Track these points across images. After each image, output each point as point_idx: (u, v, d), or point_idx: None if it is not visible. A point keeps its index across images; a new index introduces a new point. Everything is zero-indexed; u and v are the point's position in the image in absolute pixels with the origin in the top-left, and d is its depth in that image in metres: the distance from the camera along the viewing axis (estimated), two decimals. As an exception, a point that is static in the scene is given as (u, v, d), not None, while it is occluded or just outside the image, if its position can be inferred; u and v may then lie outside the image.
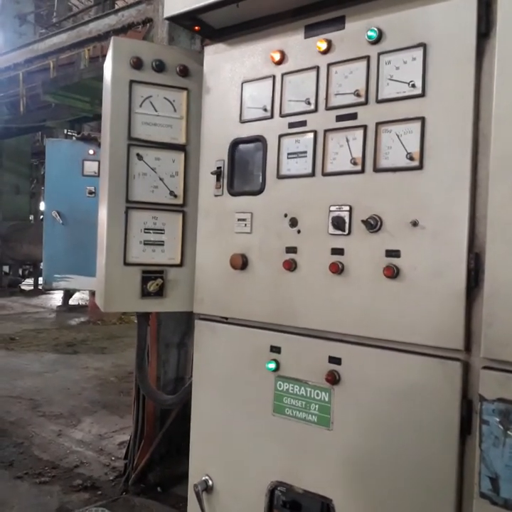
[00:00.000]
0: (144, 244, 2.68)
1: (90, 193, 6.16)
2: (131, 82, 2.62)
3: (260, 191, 2.43)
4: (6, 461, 4.35)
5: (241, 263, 2.45)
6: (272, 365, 2.36)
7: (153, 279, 2.66)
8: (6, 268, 16.86)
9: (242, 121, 2.51)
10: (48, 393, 6.39)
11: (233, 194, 2.55)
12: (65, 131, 13.33)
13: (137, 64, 2.61)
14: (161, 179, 2.69)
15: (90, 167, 6.19)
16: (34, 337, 9.85)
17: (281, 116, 2.37)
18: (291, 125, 2.34)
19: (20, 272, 17.61)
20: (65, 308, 13.16)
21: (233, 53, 2.56)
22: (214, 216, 2.62)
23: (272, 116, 2.41)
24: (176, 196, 2.71)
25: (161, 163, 2.69)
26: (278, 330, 2.38)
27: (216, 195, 2.61)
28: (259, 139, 2.44)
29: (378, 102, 2.04)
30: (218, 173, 2.59)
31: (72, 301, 13.58)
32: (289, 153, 2.34)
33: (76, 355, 8.53)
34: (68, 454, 4.57)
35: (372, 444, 2.06)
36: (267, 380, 2.39)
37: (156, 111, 2.67)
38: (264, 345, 2.41)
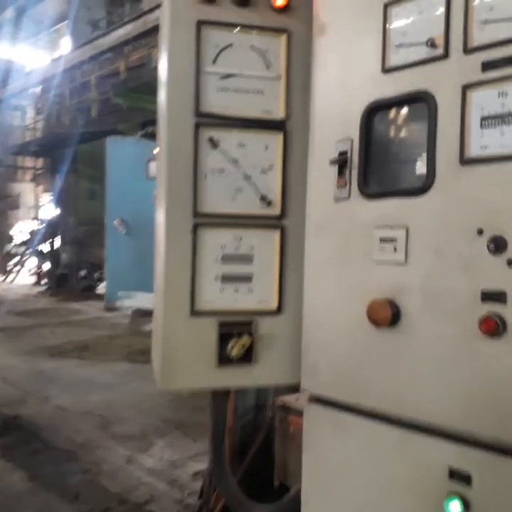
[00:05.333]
0: (222, 280, 1.69)
1: (158, 199, 5.42)
2: (200, 23, 1.65)
3: (424, 189, 1.38)
4: (72, 492, 4.10)
5: (389, 316, 1.40)
6: (456, 508, 1.29)
7: (236, 337, 1.66)
8: (82, 272, 16.97)
9: (387, 70, 1.46)
10: (119, 409, 6.08)
11: (370, 196, 1.50)
12: (138, 134, 13.04)
13: (208, -6, 1.63)
14: (247, 177, 1.70)
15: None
16: (107, 344, 9.64)
17: (467, 51, 1.30)
18: (487, 66, 1.26)
19: (95, 275, 17.71)
20: (140, 312, 12.90)
21: (365, -40, 1.51)
22: (335, 233, 1.59)
23: (446, 55, 1.34)
24: (270, 203, 1.70)
25: (246, 152, 1.70)
26: (467, 441, 1.30)
27: (338, 199, 1.58)
28: (422, 97, 1.39)
29: None
30: (342, 163, 1.55)
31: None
32: (484, 118, 1.27)
33: (149, 365, 8.13)
34: (138, 485, 4.26)
35: None
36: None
37: (238, 69, 1.68)
38: (438, 466, 1.35)
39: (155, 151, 5.64)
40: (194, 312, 1.67)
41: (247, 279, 1.71)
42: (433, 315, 1.35)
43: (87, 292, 16.27)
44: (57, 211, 17.54)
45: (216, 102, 1.67)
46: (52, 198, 18.24)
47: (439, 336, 1.34)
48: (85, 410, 6.00)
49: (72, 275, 16.66)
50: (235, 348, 1.64)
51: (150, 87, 9.80)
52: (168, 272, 1.67)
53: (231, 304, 1.70)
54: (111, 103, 11.48)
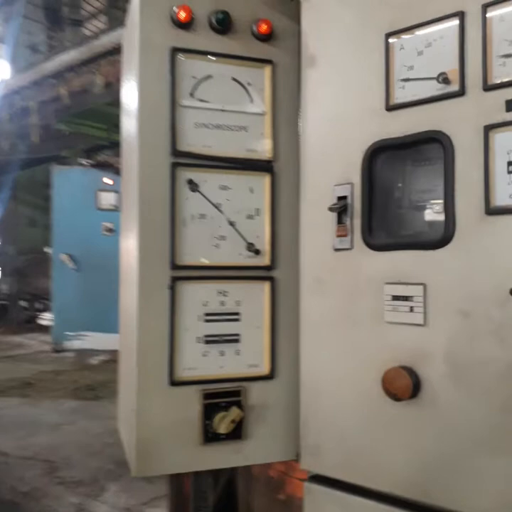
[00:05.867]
0: (206, 342, 1.47)
1: (107, 230, 5.03)
2: (175, 50, 1.45)
3: (443, 241, 1.21)
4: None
5: (410, 387, 1.21)
6: None
7: (223, 409, 1.43)
8: (22, 303, 16.21)
9: (392, 107, 1.30)
10: (67, 452, 5.59)
11: (377, 247, 1.32)
12: (81, 160, 12.71)
13: (184, 19, 1.44)
14: (231, 223, 1.49)
15: (107, 199, 5.06)
16: (52, 380, 8.97)
17: (488, 88, 1.16)
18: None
19: (36, 306, 16.96)
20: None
21: (361, -13, 1.37)
22: (336, 289, 1.40)
23: (462, 92, 1.20)
24: (257, 252, 1.50)
25: (230, 196, 1.50)
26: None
27: (338, 249, 1.40)
28: (435, 138, 1.23)
29: None
30: (341, 209, 1.37)
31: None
32: (511, 163, 1.12)
33: (97, 402, 7.66)
34: (91, 540, 3.86)
35: None
36: None
37: (219, 103, 1.49)
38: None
39: (105, 180, 5.35)
40: (173, 382, 1.43)
41: (234, 340, 1.49)
42: (460, 387, 1.18)
43: (29, 324, 15.47)
44: (-5, 240, 16.67)
45: (195, 139, 1.47)
46: (-11, 226, 17.33)
47: (469, 413, 1.17)
48: (30, 455, 5.53)
49: (13, 306, 15.82)
50: (222, 424, 1.41)
51: (93, 113, 9.53)
52: (141, 334, 1.43)
53: (216, 371, 1.47)
54: (53, 129, 11.06)
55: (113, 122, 9.28)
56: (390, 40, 1.32)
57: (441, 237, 1.21)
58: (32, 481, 4.85)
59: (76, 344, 5.68)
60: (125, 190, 1.79)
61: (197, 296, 1.47)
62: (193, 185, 1.46)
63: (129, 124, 1.61)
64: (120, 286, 1.86)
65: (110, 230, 5.27)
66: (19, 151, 12.76)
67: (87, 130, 10.13)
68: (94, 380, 9.34)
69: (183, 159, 1.45)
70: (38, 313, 16.74)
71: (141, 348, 1.42)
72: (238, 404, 1.45)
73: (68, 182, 5.26)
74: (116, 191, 4.76)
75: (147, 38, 1.44)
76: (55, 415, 6.93)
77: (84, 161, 8.65)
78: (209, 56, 1.48)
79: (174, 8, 1.44)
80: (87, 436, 6.03)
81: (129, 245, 1.56)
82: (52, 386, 8.69)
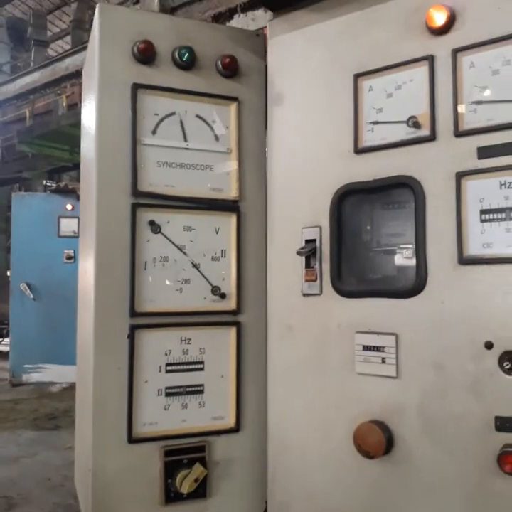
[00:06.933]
0: (167, 395, 1.38)
1: (68, 258, 4.85)
2: (136, 86, 1.38)
3: (415, 290, 1.16)
4: None
5: (382, 443, 1.14)
6: None
7: (185, 466, 1.33)
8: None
9: (360, 150, 1.27)
10: (26, 486, 5.35)
11: (347, 294, 1.28)
12: (44, 182, 12.44)
13: (146, 53, 1.38)
14: (195, 266, 1.42)
15: (68, 226, 4.88)
16: (11, 410, 8.77)
17: (459, 134, 1.13)
18: (485, 153, 1.09)
19: (-5, 332, 16.35)
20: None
21: (328, 25, 1.34)
22: (305, 335, 1.34)
23: (433, 137, 1.17)
24: (223, 296, 1.43)
25: (194, 237, 1.43)
26: None
27: (307, 294, 1.34)
28: (405, 183, 1.19)
29: None
30: (310, 253, 1.32)
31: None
32: (484, 211, 1.09)
33: (58, 431, 7.48)
34: None
35: None
36: None
37: (184, 140, 1.43)
38: None
39: (68, 207, 5.18)
40: (132, 439, 1.32)
41: (197, 391, 1.40)
42: (434, 443, 1.12)
43: (-13, 351, 14.88)
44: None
45: (157, 179, 1.40)
46: None
47: (444, 471, 1.11)
48: (-14, 491, 5.27)
49: (-32, 333, 15.20)
50: (185, 483, 1.31)
51: (57, 135, 9.36)
52: (97, 388, 1.32)
53: (178, 425, 1.37)
54: (15, 150, 10.86)
55: (76, 144, 9.15)
56: (359, 81, 1.29)
57: (412, 286, 1.17)
58: (-13, 519, 4.66)
59: (34, 377, 5.40)
60: (83, 215, 1.69)
61: (158, 345, 1.38)
62: (155, 227, 1.39)
63: (88, 152, 1.53)
64: (78, 315, 1.75)
65: (70, 258, 5.09)
66: (-21, 173, 12.44)
67: (50, 152, 9.93)
68: (54, 409, 9.01)
69: (144, 199, 1.37)
70: (-4, 338, 16.11)
71: (97, 404, 1.32)
72: (202, 461, 1.36)
73: (28, 208, 5.07)
74: (77, 217, 4.62)
75: (107, 73, 1.37)
76: (14, 447, 6.78)
77: (47, 182, 8.42)
78: (172, 92, 1.42)
79: (136, 41, 1.37)
80: (47, 469, 5.91)
81: (87, 281, 1.46)
82: (10, 416, 8.48)
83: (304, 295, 1.35)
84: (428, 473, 1.13)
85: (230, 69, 1.47)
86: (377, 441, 1.16)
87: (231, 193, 1.46)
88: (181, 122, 1.43)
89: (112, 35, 1.36)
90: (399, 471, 1.16)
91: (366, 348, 1.22)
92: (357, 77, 1.28)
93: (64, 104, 9.48)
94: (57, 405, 9.55)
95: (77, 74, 5.48)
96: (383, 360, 1.19)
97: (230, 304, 1.45)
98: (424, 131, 1.18)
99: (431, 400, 1.13)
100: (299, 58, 1.41)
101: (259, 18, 2.64)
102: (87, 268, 1.48)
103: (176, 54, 1.42)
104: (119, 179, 1.36)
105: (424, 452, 1.14)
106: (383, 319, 1.21)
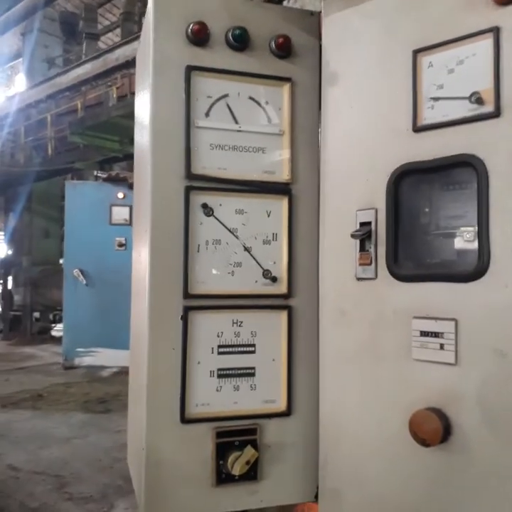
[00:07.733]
0: (219, 376, 1.38)
1: (120, 245, 4.95)
2: (190, 69, 1.38)
3: (476, 274, 1.11)
4: None
5: (440, 432, 1.11)
6: None
7: (237, 449, 1.34)
8: (36, 314, 16.33)
9: (420, 128, 1.22)
10: (77, 467, 5.49)
11: (403, 278, 1.24)
12: (95, 172, 12.82)
13: (200, 35, 1.38)
14: (246, 249, 1.41)
15: (119, 214, 4.98)
16: (63, 393, 8.86)
17: (527, 110, 1.07)
18: (555, 129, 1.03)
19: (50, 317, 17.07)
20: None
21: (384, 1, 1.30)
22: (359, 321, 1.31)
23: (498, 113, 1.10)
24: (274, 280, 1.42)
25: (246, 220, 1.42)
26: None
27: (361, 279, 1.30)
28: (468, 162, 1.14)
29: None
30: (364, 236, 1.29)
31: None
32: (554, 192, 1.03)
33: (108, 415, 7.47)
34: None
35: None
36: None
37: (236, 123, 1.42)
38: None
39: (119, 195, 5.31)
40: (185, 419, 1.34)
41: (249, 373, 1.40)
42: (495, 434, 1.08)
43: (42, 335, 15.52)
44: (10, 251, 16.84)
45: (210, 162, 1.40)
46: (4, 237, 17.54)
47: (504, 463, 1.06)
48: (40, 470, 5.40)
49: (26, 317, 15.91)
50: (236, 465, 1.32)
51: (108, 126, 9.61)
52: (152, 368, 1.34)
53: (230, 407, 1.38)
54: (67, 141, 11.21)
55: (126, 135, 9.32)
56: (419, 57, 1.24)
57: (474, 269, 1.12)
58: (42, 496, 4.81)
59: (87, 360, 5.60)
60: (137, 204, 1.72)
61: (211, 327, 1.38)
62: (207, 210, 1.39)
63: (142, 140, 1.54)
64: (132, 301, 1.78)
65: (122, 245, 5.20)
66: (34, 164, 12.93)
67: (100, 142, 10.20)
68: (105, 393, 9.37)
69: (197, 182, 1.38)
70: (50, 324, 16.84)
71: (151, 383, 1.34)
72: (253, 444, 1.36)
73: (81, 197, 5.21)
74: (129, 206, 4.71)
75: (161, 55, 1.38)
76: (66, 428, 6.87)
77: (98, 173, 8.64)
78: (225, 74, 1.41)
79: (189, 23, 1.37)
80: (97, 451, 5.96)
81: (141, 266, 1.48)
82: (63, 399, 8.81)
83: (358, 279, 1.32)
84: (487, 463, 1.09)
85: (284, 49, 1.45)
86: (433, 428, 1.12)
87: (283, 175, 1.45)
88: (233, 105, 1.42)
89: (166, 16, 1.37)
90: (456, 460, 1.13)
91: (424, 333, 1.18)
92: (416, 53, 1.24)
93: (114, 95, 9.70)
94: (108, 389, 9.94)
95: (127, 64, 5.59)
96: (441, 347, 1.16)
97: (281, 287, 1.43)
98: (488, 108, 1.13)
99: (491, 389, 1.09)
100: (355, 36, 1.38)
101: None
102: (141, 252, 1.50)
103: (230, 35, 1.40)
104: (173, 162, 1.36)
105: (484, 442, 1.09)
106: (442, 304, 1.17)
